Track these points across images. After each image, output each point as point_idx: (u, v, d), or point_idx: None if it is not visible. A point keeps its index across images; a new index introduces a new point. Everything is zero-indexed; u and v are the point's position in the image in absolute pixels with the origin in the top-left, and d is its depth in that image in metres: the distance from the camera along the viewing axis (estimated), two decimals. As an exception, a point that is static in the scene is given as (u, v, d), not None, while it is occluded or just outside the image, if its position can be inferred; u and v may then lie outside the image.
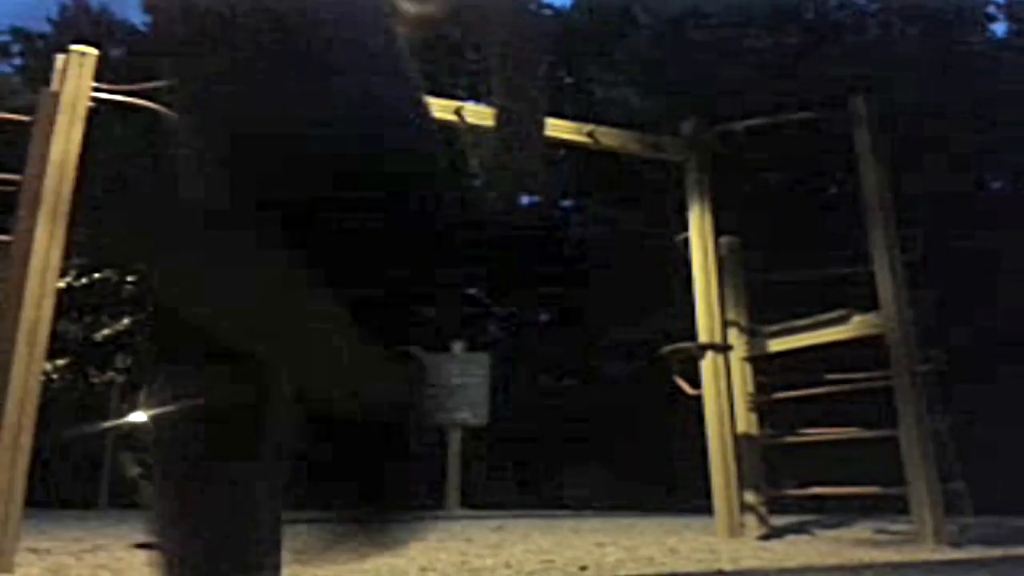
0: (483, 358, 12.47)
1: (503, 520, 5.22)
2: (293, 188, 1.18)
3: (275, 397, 1.42)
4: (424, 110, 1.46)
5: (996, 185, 17.98)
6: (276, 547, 1.89)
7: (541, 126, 1.89)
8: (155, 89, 5.67)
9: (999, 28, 18.72)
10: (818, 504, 8.79)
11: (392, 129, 1.31)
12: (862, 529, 7.28)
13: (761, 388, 7.35)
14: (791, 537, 6.62)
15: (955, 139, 15.14)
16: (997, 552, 5.49)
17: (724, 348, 6.95)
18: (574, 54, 19.12)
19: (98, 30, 18.19)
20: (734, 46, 16.56)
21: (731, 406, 6.86)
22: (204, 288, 1.24)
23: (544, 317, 20.08)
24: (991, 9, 18.33)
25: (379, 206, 1.22)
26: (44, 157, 4.75)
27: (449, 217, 1.44)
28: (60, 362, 13.70)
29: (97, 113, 5.12)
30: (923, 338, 6.57)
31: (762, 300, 7.78)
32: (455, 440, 12.21)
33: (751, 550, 5.46)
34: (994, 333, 12.93)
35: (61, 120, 4.85)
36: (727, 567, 4.43)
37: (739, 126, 7.65)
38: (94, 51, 5.10)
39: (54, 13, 20.46)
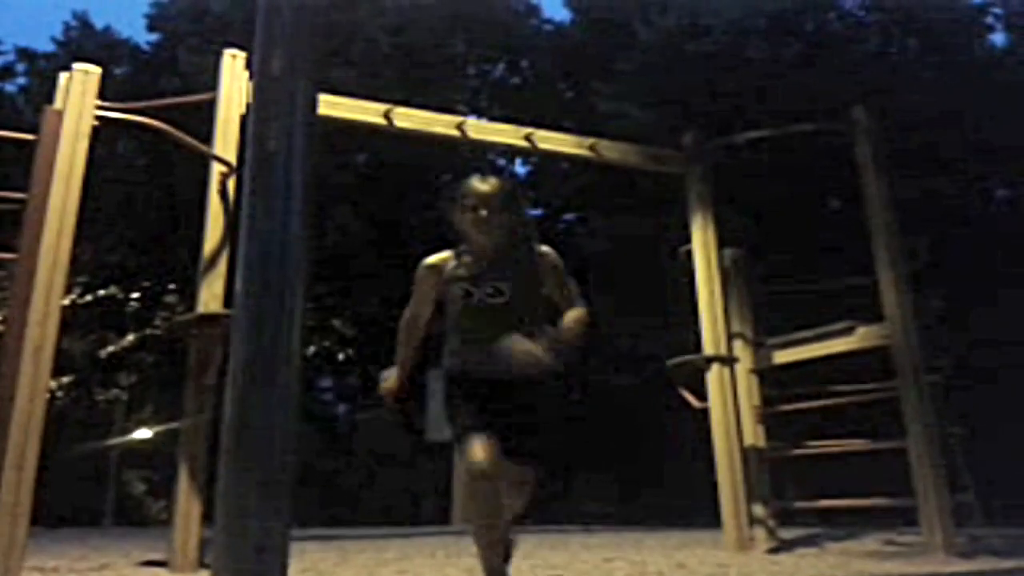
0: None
1: (511, 535, 5.18)
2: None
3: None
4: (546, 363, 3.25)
5: (1000, 193, 17.97)
6: (284, 565, 1.88)
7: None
8: (158, 107, 5.70)
9: (998, 38, 18.70)
10: (827, 516, 8.75)
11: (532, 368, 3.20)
12: (871, 541, 7.24)
13: (767, 400, 7.33)
14: (800, 550, 6.59)
15: (956, 148, 15.15)
16: (1007, 563, 5.46)
17: (730, 360, 6.93)
18: (575, 68, 19.18)
19: (101, 48, 18.28)
20: (734, 58, 16.60)
21: (738, 419, 6.83)
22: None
23: (549, 329, 20.04)
24: (990, 19, 18.39)
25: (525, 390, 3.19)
26: (49, 175, 4.76)
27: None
28: (65, 379, 13.68)
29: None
30: (929, 347, 6.55)
31: (767, 312, 7.77)
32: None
33: (760, 564, 5.43)
34: (997, 340, 12.89)
35: (65, 138, 4.86)
36: (735, 580, 4.40)
37: (740, 138, 7.66)
38: (97, 69, 5.12)
39: (58, 33, 20.56)
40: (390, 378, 3.39)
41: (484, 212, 3.22)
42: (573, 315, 3.28)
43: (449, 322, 3.32)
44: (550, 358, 3.21)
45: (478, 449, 2.96)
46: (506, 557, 3.29)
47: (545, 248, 3.37)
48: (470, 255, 3.32)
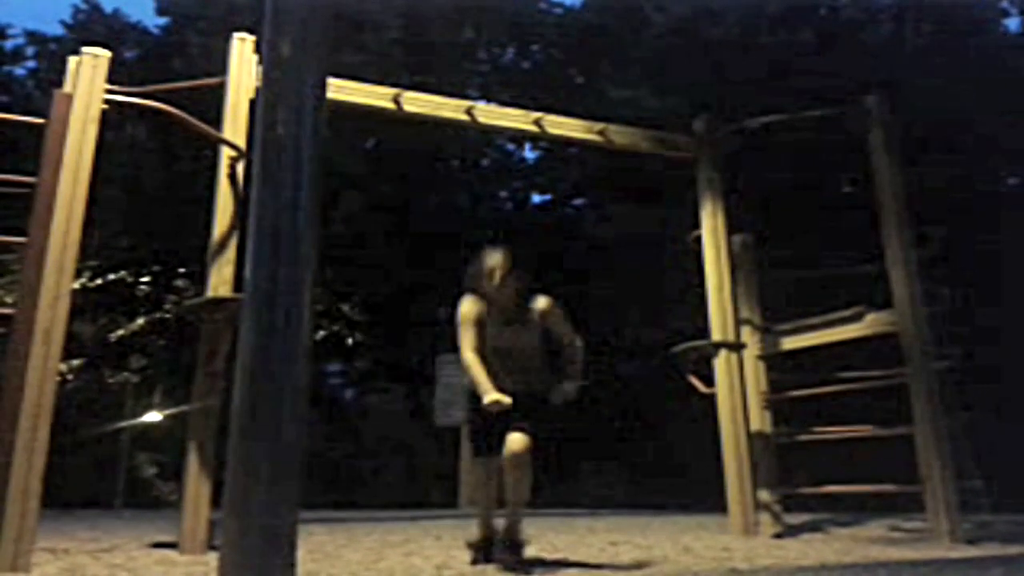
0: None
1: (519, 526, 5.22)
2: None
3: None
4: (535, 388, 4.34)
5: (1012, 181, 17.85)
6: (292, 546, 1.90)
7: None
8: (167, 91, 5.70)
9: (1012, 23, 18.56)
10: (832, 502, 8.75)
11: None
12: (877, 527, 7.25)
13: (775, 386, 7.33)
14: (806, 535, 6.60)
15: (969, 135, 15.05)
16: (1014, 549, 5.46)
17: (738, 346, 6.93)
18: (586, 52, 19.10)
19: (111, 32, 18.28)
20: (746, 44, 16.50)
21: (745, 404, 6.84)
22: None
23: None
24: (1004, 4, 18.23)
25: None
26: (58, 159, 4.78)
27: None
28: (75, 362, 13.72)
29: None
30: (938, 335, 6.54)
31: (776, 298, 7.76)
32: (468, 440, 12.20)
33: (766, 548, 5.45)
34: (1007, 329, 12.84)
35: (75, 122, 4.87)
36: (741, 566, 4.42)
37: (752, 124, 7.63)
38: (107, 53, 5.12)
39: (67, 16, 20.56)
40: (492, 396, 4.07)
41: (499, 276, 4.24)
42: (573, 352, 4.44)
43: (490, 339, 4.36)
44: (541, 383, 4.36)
45: (479, 463, 4.38)
46: (516, 546, 4.31)
47: (542, 301, 4.37)
48: (489, 300, 4.31)
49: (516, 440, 4.06)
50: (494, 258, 4.29)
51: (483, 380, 4.11)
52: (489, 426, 4.16)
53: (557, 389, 4.29)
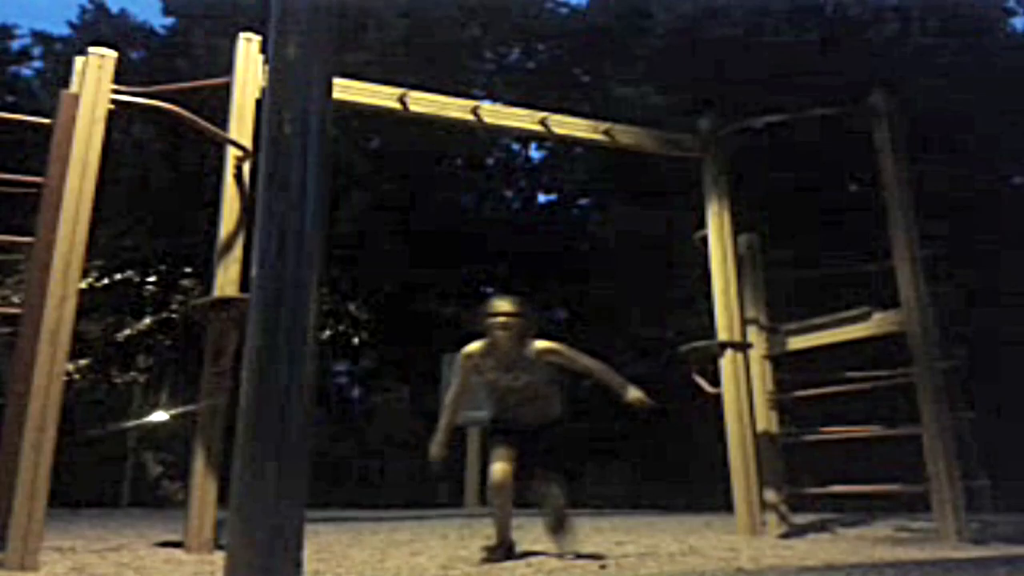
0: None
1: (523, 518, 5.23)
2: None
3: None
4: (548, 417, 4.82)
5: (1018, 180, 17.80)
6: (298, 545, 1.90)
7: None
8: (173, 91, 5.72)
9: (1019, 22, 18.51)
10: (839, 502, 8.74)
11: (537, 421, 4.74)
12: (883, 527, 7.24)
13: (781, 386, 7.32)
14: (812, 535, 6.59)
15: (973, 134, 15.01)
16: (1020, 549, 5.45)
17: (744, 346, 6.92)
18: (591, 52, 19.09)
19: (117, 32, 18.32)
20: (752, 42, 16.48)
21: (751, 404, 6.83)
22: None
23: (562, 315, 20.06)
24: (1011, 3, 18.18)
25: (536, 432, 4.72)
26: (65, 159, 4.79)
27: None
28: (82, 362, 13.77)
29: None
30: (945, 335, 6.53)
31: (781, 297, 7.75)
32: (474, 439, 12.21)
33: (772, 548, 5.44)
34: (1007, 328, 12.80)
35: (81, 122, 4.88)
36: (747, 565, 4.41)
37: (757, 122, 7.62)
38: (113, 54, 5.13)
39: (74, 16, 20.61)
40: (437, 444, 4.75)
41: (502, 321, 4.59)
42: (604, 376, 4.81)
43: (487, 389, 4.81)
44: (553, 412, 4.85)
45: (497, 470, 4.59)
46: (560, 526, 4.71)
47: (538, 344, 4.69)
48: (496, 350, 4.65)
49: (553, 487, 4.63)
50: (500, 306, 4.66)
51: (441, 428, 4.77)
52: (509, 442, 4.66)
53: (634, 401, 4.64)
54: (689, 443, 13.28)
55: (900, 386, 6.54)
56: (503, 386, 4.72)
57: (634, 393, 4.60)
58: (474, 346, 4.71)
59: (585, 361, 4.76)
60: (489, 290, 20.05)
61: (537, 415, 4.77)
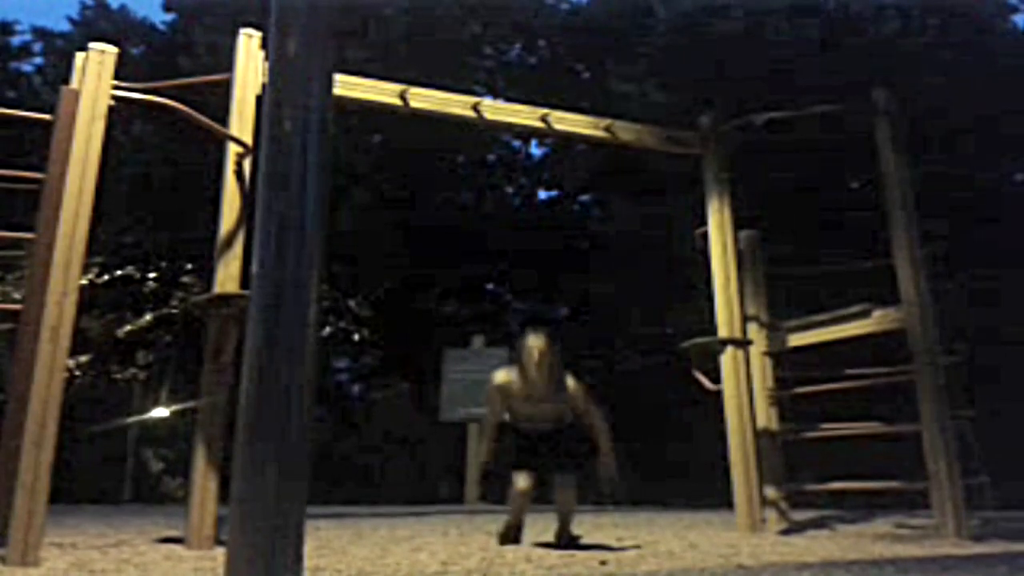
0: (503, 353, 12.47)
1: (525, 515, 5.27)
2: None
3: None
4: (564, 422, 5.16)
5: (1020, 178, 17.79)
6: (299, 542, 1.90)
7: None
8: (174, 87, 5.71)
9: (1020, 20, 18.50)
10: (839, 499, 8.75)
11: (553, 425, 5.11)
12: (883, 524, 7.25)
13: (781, 383, 7.32)
14: (812, 532, 6.60)
15: (974, 132, 15.00)
16: (1020, 547, 5.45)
17: (744, 343, 6.93)
18: (592, 48, 19.07)
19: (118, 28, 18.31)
20: (753, 39, 16.46)
21: (751, 401, 6.84)
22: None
23: (563, 311, 20.07)
24: (1013, 0, 18.15)
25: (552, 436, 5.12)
26: (65, 155, 4.79)
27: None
28: (83, 358, 13.78)
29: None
30: (945, 332, 6.53)
31: (782, 294, 7.75)
32: (475, 435, 12.21)
33: (771, 545, 5.45)
34: (1008, 327, 12.80)
35: (82, 118, 4.88)
36: (747, 562, 4.42)
37: (758, 119, 7.61)
38: (114, 50, 5.13)
39: (74, 12, 20.59)
40: (484, 457, 5.18)
41: (537, 355, 4.88)
42: (596, 430, 5.12)
43: (513, 408, 5.14)
44: (567, 417, 5.15)
45: (521, 479, 4.99)
46: (564, 532, 5.20)
47: (572, 385, 5.04)
48: (526, 382, 4.97)
49: (566, 490, 5.03)
50: (536, 343, 4.95)
51: (484, 448, 5.15)
52: (531, 449, 5.06)
53: (603, 480, 5.06)
54: (689, 440, 13.29)
55: (900, 383, 6.54)
56: (527, 412, 5.12)
57: (608, 472, 5.05)
58: (506, 376, 5.06)
59: (595, 415, 5.09)
60: (489, 286, 20.08)
61: (555, 422, 5.14)
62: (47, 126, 4.98)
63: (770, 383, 7.27)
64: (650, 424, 15.33)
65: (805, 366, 7.50)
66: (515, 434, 5.16)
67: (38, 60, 20.35)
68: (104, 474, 14.06)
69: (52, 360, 4.48)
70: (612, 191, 18.57)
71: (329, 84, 2.20)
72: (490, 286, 20.21)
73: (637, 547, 5.20)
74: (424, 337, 16.63)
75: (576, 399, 5.03)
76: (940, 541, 5.75)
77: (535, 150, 20.56)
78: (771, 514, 6.81)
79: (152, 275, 15.16)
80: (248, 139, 5.57)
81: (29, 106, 5.79)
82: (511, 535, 5.24)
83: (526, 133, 16.96)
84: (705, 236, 7.18)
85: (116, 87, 5.09)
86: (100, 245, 13.34)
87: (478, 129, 14.25)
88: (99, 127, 4.93)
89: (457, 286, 18.78)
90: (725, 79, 15.37)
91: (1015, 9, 18.19)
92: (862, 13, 17.60)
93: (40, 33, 20.34)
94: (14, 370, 4.56)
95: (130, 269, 14.84)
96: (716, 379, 6.87)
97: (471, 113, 6.75)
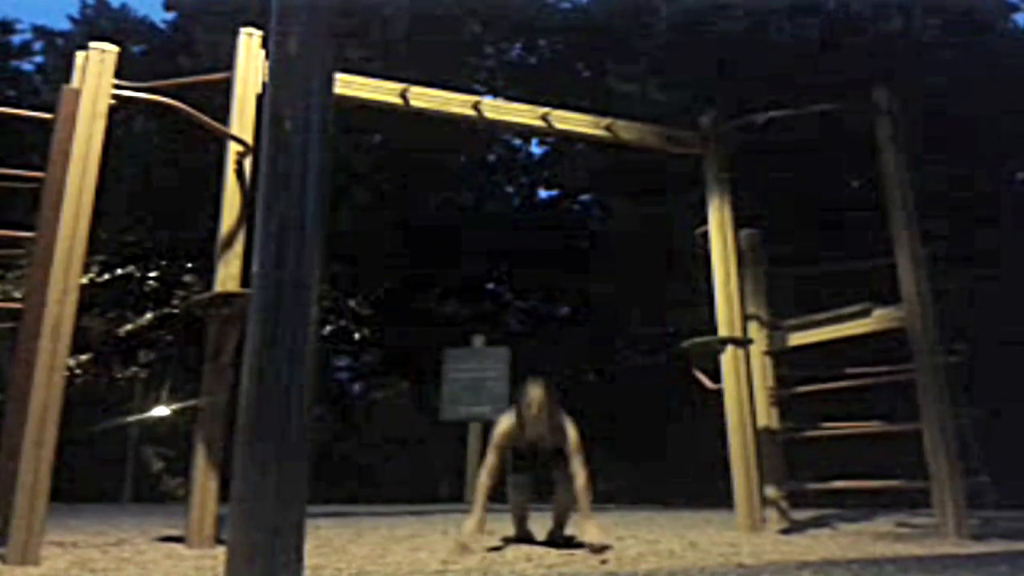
0: (503, 352, 12.48)
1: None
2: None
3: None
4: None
5: (1020, 176, 17.78)
6: (299, 541, 1.91)
7: None
8: (174, 86, 5.71)
9: (1022, 18, 18.47)
10: (839, 498, 8.75)
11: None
12: (884, 523, 7.25)
13: (781, 382, 7.32)
14: (812, 531, 6.60)
15: (976, 131, 14.99)
16: (1020, 546, 5.45)
17: (744, 342, 6.92)
18: (593, 47, 19.06)
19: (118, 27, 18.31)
20: (754, 38, 16.45)
21: (751, 400, 6.84)
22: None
23: (564, 311, 20.07)
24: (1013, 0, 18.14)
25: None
26: (66, 154, 4.79)
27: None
28: (83, 357, 13.79)
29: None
30: (945, 331, 6.53)
31: (782, 293, 7.75)
32: (475, 434, 12.22)
33: (772, 544, 5.45)
34: (1008, 326, 12.79)
35: (82, 117, 4.88)
36: (748, 561, 4.42)
37: (759, 118, 7.61)
38: (114, 48, 5.13)
39: (75, 11, 20.59)
40: (472, 530, 4.86)
41: (536, 407, 4.96)
42: (583, 496, 4.93)
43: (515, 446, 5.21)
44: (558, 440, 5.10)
45: (516, 502, 5.36)
46: (559, 531, 5.36)
47: (571, 430, 5.04)
48: (527, 428, 5.05)
49: (565, 489, 5.04)
50: (536, 394, 5.01)
51: (477, 512, 4.92)
52: (530, 456, 5.18)
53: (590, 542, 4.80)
54: (689, 439, 13.29)
55: (901, 382, 6.54)
56: (526, 446, 5.19)
57: (592, 533, 4.81)
58: (508, 425, 5.12)
59: (579, 468, 4.97)
60: (490, 286, 20.08)
61: (553, 450, 5.16)
62: (48, 125, 4.98)
63: (770, 382, 7.27)
64: (650, 423, 15.34)
65: (805, 365, 7.51)
66: (514, 451, 5.24)
67: (39, 59, 20.35)
68: (105, 473, 14.08)
69: (52, 359, 4.48)
70: (612, 190, 18.56)
71: (330, 83, 2.20)
72: (490, 285, 20.21)
73: (638, 547, 5.19)
74: (424, 336, 16.64)
75: (570, 448, 5.03)
76: (940, 540, 5.76)
77: (535, 149, 20.57)
78: (771, 513, 6.81)
79: (153, 274, 15.16)
80: (249, 138, 5.57)
81: (30, 105, 5.80)
82: (522, 534, 5.41)
83: (526, 132, 16.96)
84: (705, 235, 7.18)
85: (117, 86, 5.09)
86: (101, 244, 13.35)
87: (478, 128, 14.27)
88: (100, 126, 4.93)
89: (457, 285, 18.78)
90: (726, 78, 15.36)
91: (1016, 8, 18.17)
92: (863, 12, 17.60)
93: (41, 32, 20.34)
94: (14, 369, 4.56)
95: (131, 268, 14.85)
96: (716, 378, 6.87)
97: (471, 112, 6.75)
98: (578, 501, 4.94)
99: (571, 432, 5.06)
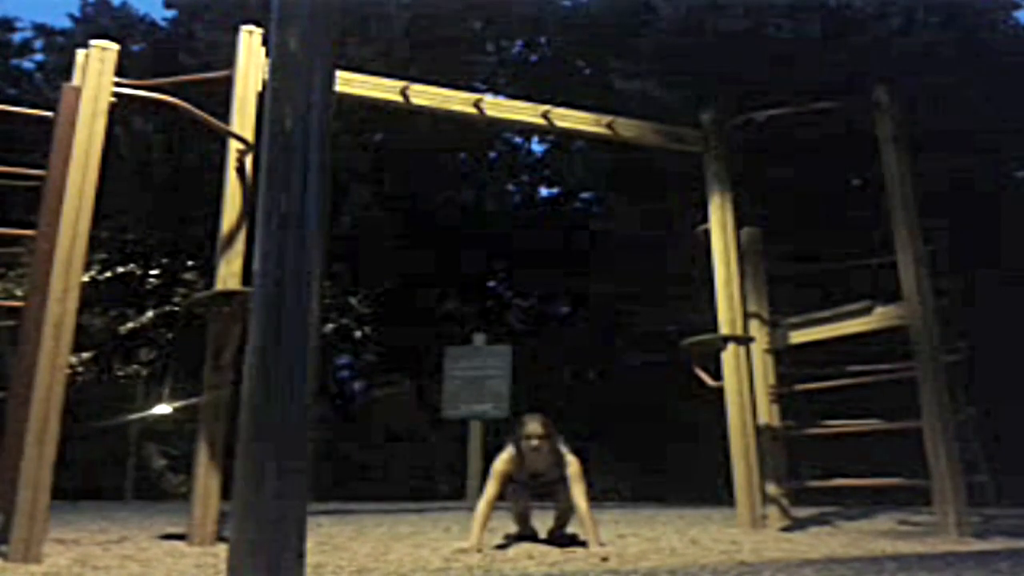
0: (504, 350, 12.45)
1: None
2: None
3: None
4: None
5: (1021, 174, 17.76)
6: (301, 538, 1.91)
7: None
8: (175, 84, 5.71)
9: (1022, 17, 18.45)
10: (840, 496, 8.75)
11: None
12: (884, 520, 7.25)
13: (782, 380, 7.32)
14: (813, 529, 6.60)
15: (977, 129, 14.97)
16: (1021, 543, 5.45)
17: (745, 340, 6.92)
18: (593, 45, 19.05)
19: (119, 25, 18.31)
20: (755, 36, 16.43)
21: (752, 398, 6.84)
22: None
23: (565, 309, 20.08)
24: (1016, -5, 18.10)
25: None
26: (67, 152, 4.79)
27: None
28: (85, 355, 13.81)
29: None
30: (947, 329, 6.53)
31: (783, 291, 7.75)
32: (476, 433, 12.22)
33: (773, 542, 5.45)
34: (1008, 324, 12.79)
35: (83, 115, 4.88)
36: (749, 558, 4.42)
37: (759, 116, 7.61)
38: (115, 46, 5.13)
39: (75, 9, 20.58)
40: (470, 547, 4.78)
41: (536, 442, 5.00)
42: (588, 522, 4.97)
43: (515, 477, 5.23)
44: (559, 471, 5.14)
45: (517, 518, 5.46)
46: (560, 529, 5.42)
47: (572, 462, 5.07)
48: (526, 461, 5.11)
49: (582, 508, 4.99)
50: (533, 426, 5.04)
51: (476, 533, 4.83)
52: (527, 485, 5.25)
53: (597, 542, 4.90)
54: (691, 437, 13.30)
55: (901, 380, 6.54)
56: (525, 479, 5.24)
57: (598, 548, 4.82)
58: (509, 459, 5.13)
59: (580, 497, 4.99)
60: (490, 284, 20.08)
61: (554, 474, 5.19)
62: (48, 123, 4.98)
63: (771, 380, 7.27)
64: (651, 421, 15.34)
65: (806, 363, 7.51)
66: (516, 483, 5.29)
67: (39, 57, 20.34)
68: (106, 471, 14.09)
69: (54, 357, 4.49)
70: (613, 188, 18.55)
71: (330, 81, 2.20)
72: (491, 283, 20.22)
73: (639, 544, 5.20)
74: (425, 334, 16.65)
75: (571, 476, 5.04)
76: (941, 538, 5.75)
77: (536, 147, 20.56)
78: (772, 511, 6.81)
79: (154, 272, 15.18)
80: (249, 136, 5.57)
81: (30, 103, 5.79)
82: (524, 532, 5.48)
83: (527, 130, 16.98)
84: (707, 233, 7.18)
85: (117, 84, 5.09)
86: (102, 242, 13.37)
87: (479, 126, 14.27)
88: (100, 124, 4.93)
89: (458, 283, 18.78)
90: (726, 76, 15.34)
91: (1016, 6, 18.14)
92: (863, 10, 17.57)
93: (41, 30, 20.33)
94: (17, 367, 4.57)
95: (132, 266, 14.86)
96: (717, 376, 6.87)
97: (472, 110, 6.75)
98: (583, 526, 5.00)
99: (572, 462, 5.09)
